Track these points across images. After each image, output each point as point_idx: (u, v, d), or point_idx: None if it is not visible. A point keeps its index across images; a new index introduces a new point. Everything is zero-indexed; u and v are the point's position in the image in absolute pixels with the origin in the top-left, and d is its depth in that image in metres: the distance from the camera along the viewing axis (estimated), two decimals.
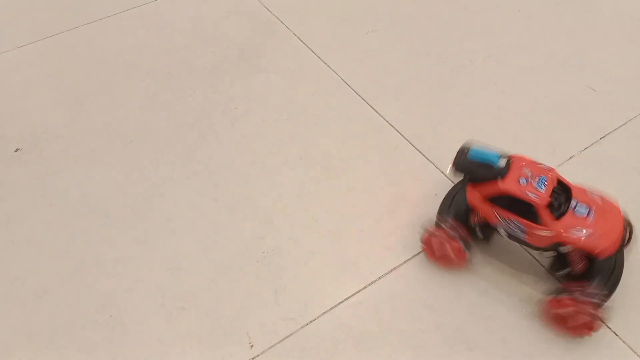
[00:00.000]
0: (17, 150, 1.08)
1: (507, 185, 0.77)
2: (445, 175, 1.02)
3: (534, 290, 0.85)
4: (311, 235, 0.94)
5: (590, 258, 0.78)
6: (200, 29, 1.32)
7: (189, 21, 1.35)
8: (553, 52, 1.26)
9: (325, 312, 0.85)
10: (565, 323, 0.80)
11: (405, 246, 0.92)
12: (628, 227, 0.82)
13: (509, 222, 0.80)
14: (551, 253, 0.83)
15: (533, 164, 0.80)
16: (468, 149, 0.82)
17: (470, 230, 0.85)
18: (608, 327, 0.83)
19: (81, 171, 1.04)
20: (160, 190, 1.01)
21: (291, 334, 0.83)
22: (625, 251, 0.83)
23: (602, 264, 0.78)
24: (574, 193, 0.79)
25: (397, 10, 1.36)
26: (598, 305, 0.77)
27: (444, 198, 0.89)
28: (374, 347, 0.81)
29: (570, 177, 1.01)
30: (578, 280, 0.79)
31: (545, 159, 1.04)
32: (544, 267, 0.88)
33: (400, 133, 1.09)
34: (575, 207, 0.78)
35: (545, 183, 0.77)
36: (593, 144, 1.07)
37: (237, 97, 1.17)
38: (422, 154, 1.06)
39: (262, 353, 0.81)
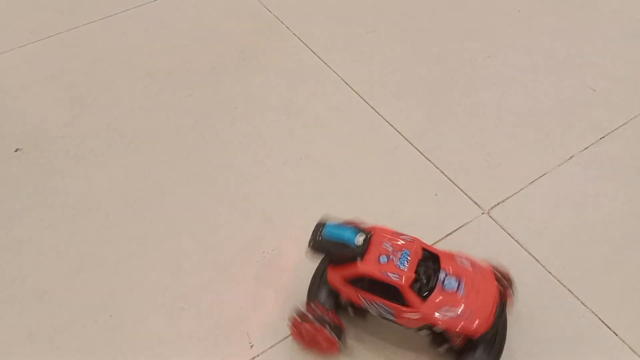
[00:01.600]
0: (17, 150, 1.08)
1: (366, 266, 0.70)
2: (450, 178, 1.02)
3: None
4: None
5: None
6: (200, 29, 1.33)
7: (189, 21, 1.35)
8: (553, 52, 1.26)
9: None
10: None
11: None
12: (504, 286, 0.75)
13: (374, 304, 0.72)
14: (426, 332, 0.73)
15: (395, 237, 0.72)
16: (323, 226, 0.74)
17: (342, 308, 0.77)
18: (608, 327, 0.83)
19: (81, 171, 1.04)
20: (160, 190, 1.01)
21: (291, 334, 0.83)
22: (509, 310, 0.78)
23: (482, 336, 0.70)
24: (443, 262, 0.72)
25: (397, 11, 1.36)
26: None
27: (311, 280, 0.80)
28: (374, 347, 0.81)
29: (570, 177, 1.02)
30: (461, 353, 0.73)
31: (545, 159, 1.05)
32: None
33: (400, 133, 1.09)
34: (444, 280, 0.70)
35: (409, 258, 0.70)
36: (593, 144, 1.07)
37: (237, 97, 1.17)
38: (422, 154, 1.06)
39: (262, 353, 0.81)
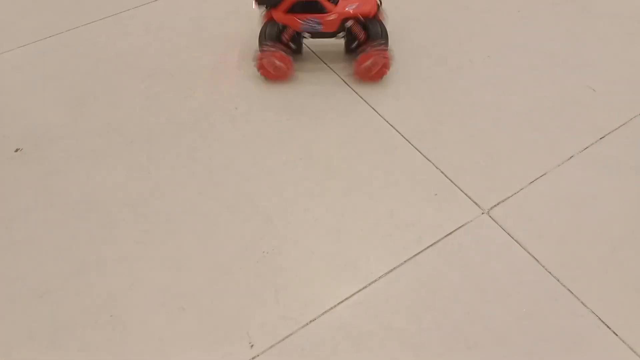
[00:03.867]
0: (17, 150, 1.08)
1: None
2: None
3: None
4: (311, 235, 0.94)
5: (365, 27, 1.13)
6: (201, 29, 1.33)
7: (190, 22, 1.35)
8: (553, 52, 1.26)
9: (325, 312, 0.85)
10: (370, 72, 1.15)
11: (405, 246, 0.92)
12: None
13: (306, 22, 1.10)
14: (342, 34, 1.15)
15: None
16: None
17: (286, 46, 1.14)
18: (607, 326, 0.83)
19: (82, 171, 1.04)
20: (160, 190, 1.01)
21: (291, 334, 0.83)
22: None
23: (373, 27, 1.13)
24: None
25: (397, 11, 1.36)
26: (385, 50, 1.13)
27: (259, 34, 1.15)
28: (374, 347, 0.82)
29: (570, 177, 1.02)
30: (366, 40, 1.14)
31: (545, 159, 1.05)
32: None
33: (400, 133, 1.09)
34: None
35: None
36: (593, 144, 1.07)
37: (237, 97, 1.17)
38: (422, 154, 1.06)
39: (262, 353, 0.81)
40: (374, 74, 1.15)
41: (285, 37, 1.13)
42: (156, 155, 1.07)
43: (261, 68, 1.15)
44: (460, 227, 0.95)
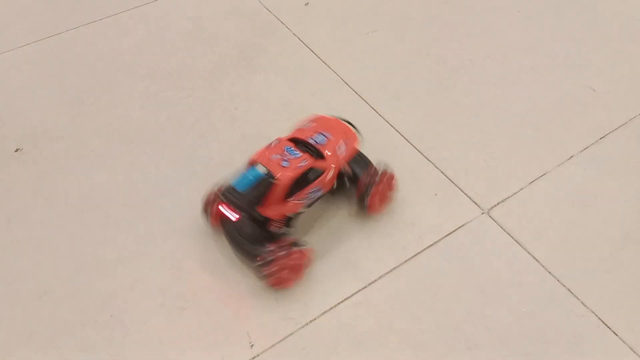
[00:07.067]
0: (17, 150, 1.08)
1: (285, 175, 0.81)
2: (447, 177, 1.02)
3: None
4: (311, 235, 0.94)
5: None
6: (200, 29, 1.33)
7: (189, 21, 1.35)
8: (553, 52, 1.26)
9: (325, 312, 0.85)
10: (386, 200, 0.96)
11: (405, 246, 0.92)
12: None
13: (308, 195, 0.85)
14: (337, 184, 0.92)
15: (271, 149, 0.85)
16: (229, 187, 0.84)
17: (279, 236, 0.86)
18: (607, 326, 0.83)
19: (81, 171, 1.04)
20: (160, 190, 1.01)
21: (291, 334, 0.83)
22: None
23: (355, 158, 0.94)
24: (305, 136, 0.89)
25: (397, 11, 1.36)
26: (385, 174, 0.94)
27: (235, 246, 0.85)
28: (374, 347, 0.82)
29: (570, 177, 1.02)
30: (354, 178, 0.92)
31: (545, 159, 1.05)
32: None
33: (400, 133, 1.09)
34: (315, 141, 0.88)
35: (292, 149, 0.85)
36: (593, 144, 1.07)
37: (237, 97, 1.17)
38: (422, 154, 1.06)
39: (262, 353, 0.81)
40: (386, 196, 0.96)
41: (275, 227, 0.85)
42: (156, 155, 1.07)
43: (278, 282, 0.84)
44: (460, 227, 0.95)
